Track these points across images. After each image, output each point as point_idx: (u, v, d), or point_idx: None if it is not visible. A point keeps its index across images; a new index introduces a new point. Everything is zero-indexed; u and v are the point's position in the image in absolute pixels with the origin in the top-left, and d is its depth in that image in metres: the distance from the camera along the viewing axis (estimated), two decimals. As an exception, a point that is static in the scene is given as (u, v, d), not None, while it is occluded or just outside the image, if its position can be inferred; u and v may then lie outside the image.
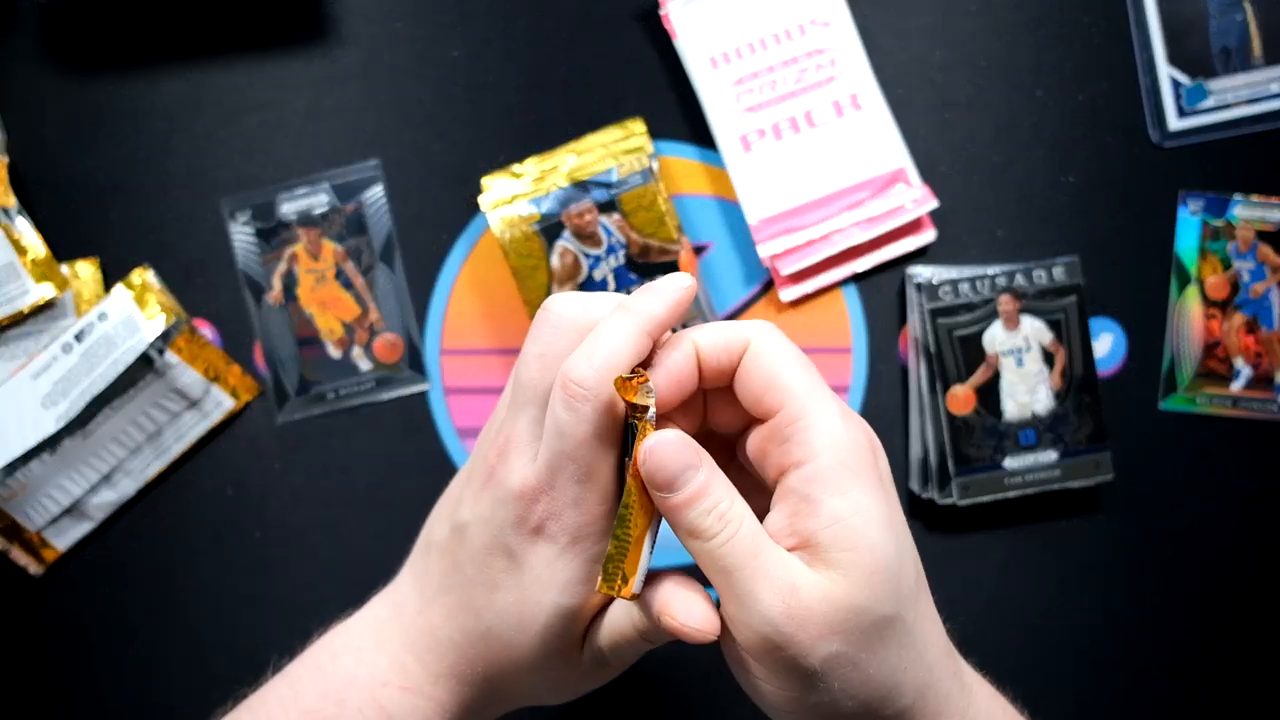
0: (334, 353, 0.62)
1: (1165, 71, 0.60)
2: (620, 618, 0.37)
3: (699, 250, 0.62)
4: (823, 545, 0.32)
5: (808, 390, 0.33)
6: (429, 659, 0.39)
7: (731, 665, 0.35)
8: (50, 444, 0.58)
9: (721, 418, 0.37)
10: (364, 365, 0.62)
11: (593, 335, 0.34)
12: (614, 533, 0.34)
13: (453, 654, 0.38)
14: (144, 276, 0.60)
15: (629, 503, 0.34)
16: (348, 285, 0.62)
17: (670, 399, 0.35)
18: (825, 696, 0.32)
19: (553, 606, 0.36)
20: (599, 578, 0.34)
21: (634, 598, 0.34)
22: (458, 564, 0.38)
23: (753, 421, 0.35)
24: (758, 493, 0.35)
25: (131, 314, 0.58)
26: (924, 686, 0.34)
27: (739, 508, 0.33)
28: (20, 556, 0.60)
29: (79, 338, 0.58)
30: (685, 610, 0.33)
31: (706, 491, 0.33)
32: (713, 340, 0.35)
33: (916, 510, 0.61)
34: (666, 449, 0.32)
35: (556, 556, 0.35)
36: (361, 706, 0.39)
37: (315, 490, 0.62)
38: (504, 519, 0.36)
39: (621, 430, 0.35)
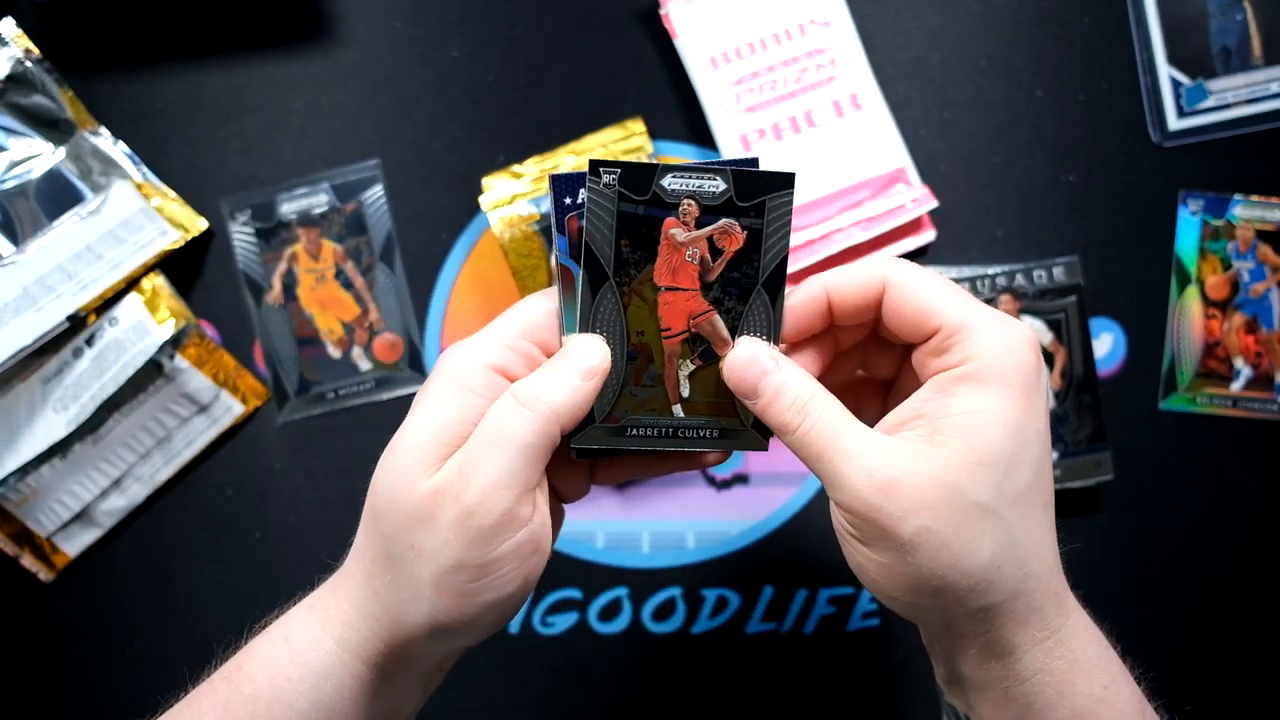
0: (334, 353, 0.63)
1: (1165, 71, 0.61)
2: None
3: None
4: (942, 430, 0.35)
5: (960, 305, 0.37)
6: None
7: (841, 546, 0.38)
8: (61, 449, 0.59)
9: (891, 334, 0.40)
10: (364, 365, 0.62)
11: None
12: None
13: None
14: (155, 281, 0.60)
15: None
16: (348, 285, 0.62)
17: (792, 337, 0.40)
18: (913, 570, 0.35)
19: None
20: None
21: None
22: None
23: (909, 356, 0.39)
24: None
25: (142, 319, 0.59)
26: (1016, 592, 0.35)
27: (819, 400, 0.37)
28: (31, 563, 0.61)
29: (89, 342, 0.59)
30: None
31: (783, 390, 0.37)
32: (845, 282, 0.39)
33: (916, 510, 0.62)
34: (737, 364, 0.38)
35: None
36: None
37: (315, 490, 0.62)
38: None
39: None
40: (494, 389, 0.37)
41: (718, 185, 0.38)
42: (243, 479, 0.63)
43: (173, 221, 0.61)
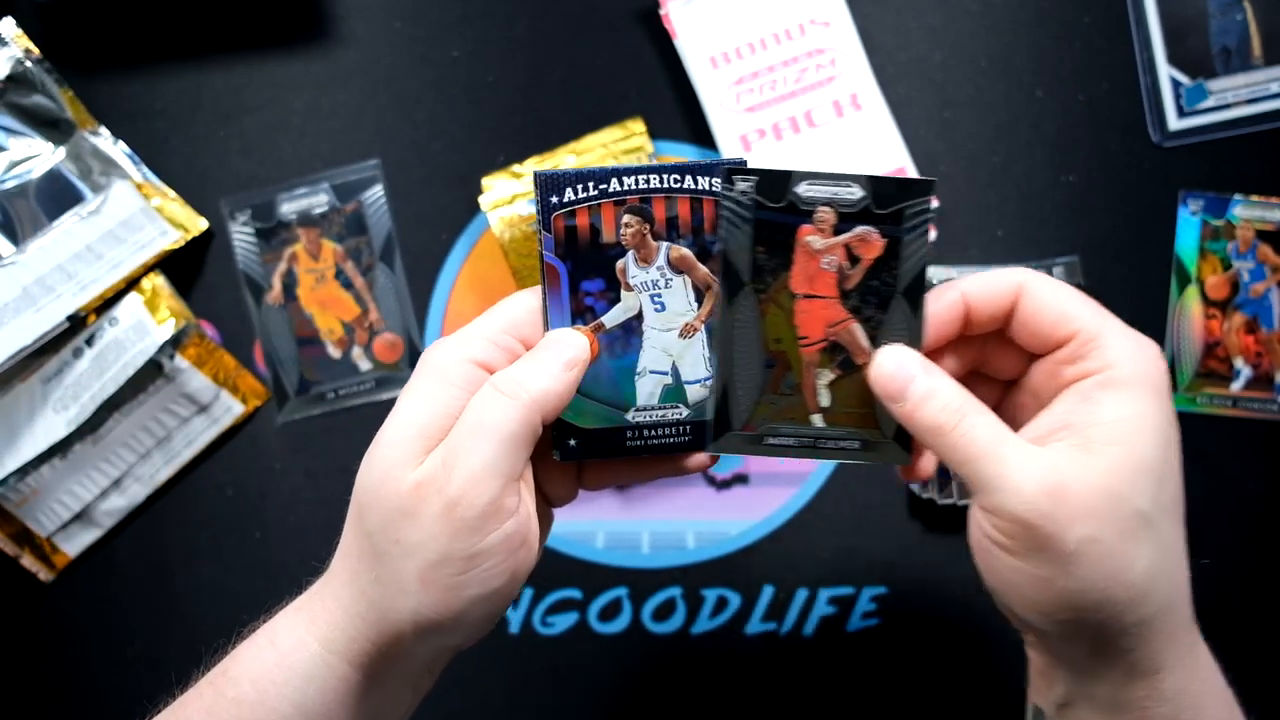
0: (334, 353, 0.63)
1: (1165, 71, 0.61)
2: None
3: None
4: (1095, 439, 0.34)
5: (1097, 314, 0.37)
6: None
7: (980, 560, 0.37)
8: (61, 449, 0.59)
9: (1001, 363, 0.41)
10: (364, 365, 0.63)
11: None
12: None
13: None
14: (155, 281, 0.60)
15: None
16: (347, 285, 0.62)
17: (932, 343, 0.39)
18: (1074, 583, 0.33)
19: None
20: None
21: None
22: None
23: (1030, 363, 0.39)
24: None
25: (142, 319, 0.59)
26: (1169, 605, 0.35)
27: (973, 404, 0.36)
28: (31, 563, 0.61)
29: (89, 342, 0.59)
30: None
31: (933, 393, 0.36)
32: (983, 288, 0.38)
33: (916, 510, 0.62)
34: (885, 368, 0.37)
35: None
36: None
37: (315, 490, 0.63)
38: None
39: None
40: (475, 382, 0.36)
41: (855, 192, 0.38)
42: (243, 479, 0.63)
43: (173, 221, 0.61)
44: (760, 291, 0.39)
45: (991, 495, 0.34)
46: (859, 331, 0.39)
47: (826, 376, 0.39)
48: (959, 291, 0.39)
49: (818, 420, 0.40)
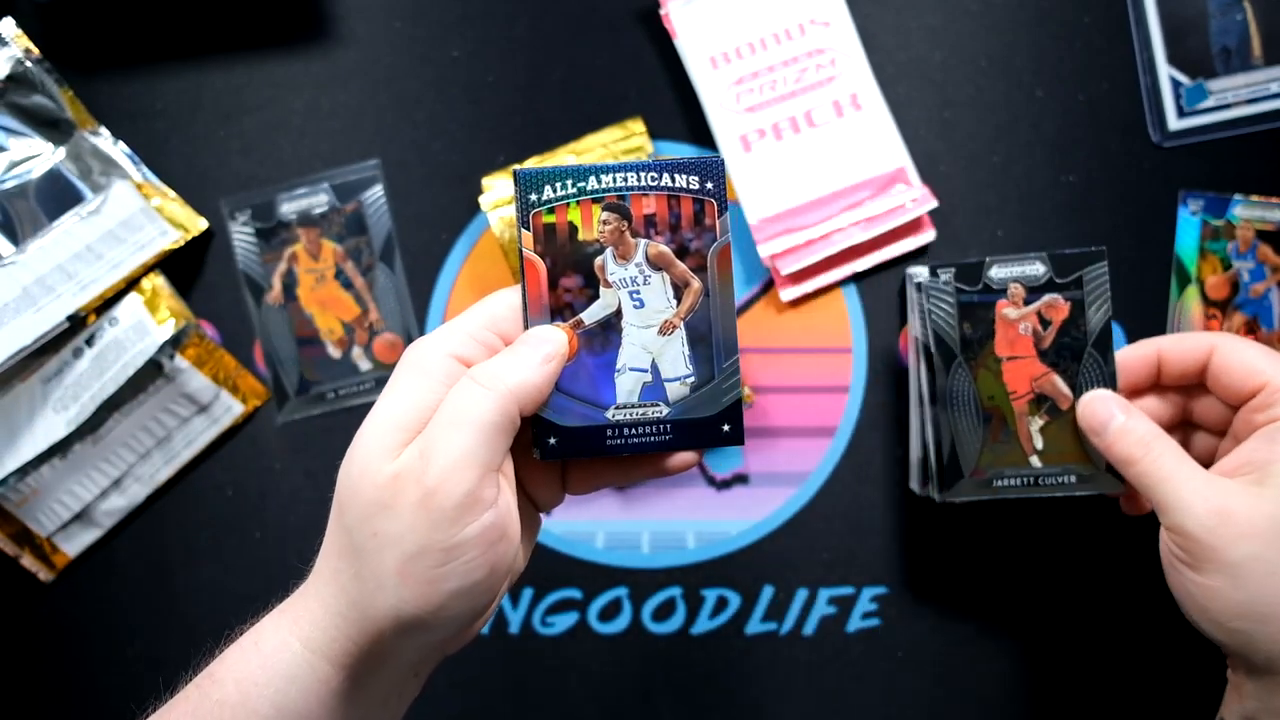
0: (334, 353, 0.63)
1: (1165, 71, 0.61)
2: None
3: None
4: (1270, 474, 0.40)
5: None
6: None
7: (1168, 576, 0.43)
8: (60, 449, 0.59)
9: (1205, 411, 0.48)
10: (364, 365, 0.63)
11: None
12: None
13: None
14: (155, 281, 0.60)
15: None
16: (347, 285, 0.62)
17: (1126, 387, 0.47)
18: (1243, 595, 0.39)
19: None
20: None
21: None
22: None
23: (1234, 415, 0.46)
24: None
25: (142, 319, 0.59)
26: None
27: (1163, 438, 0.43)
28: (31, 563, 0.61)
29: (89, 342, 0.59)
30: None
31: (1127, 430, 0.44)
32: (1177, 344, 0.46)
33: (916, 510, 0.62)
34: (1089, 407, 0.46)
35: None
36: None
37: (315, 490, 0.63)
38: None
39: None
40: (455, 376, 0.37)
41: (1038, 269, 0.47)
42: (243, 479, 0.63)
43: (173, 221, 0.61)
44: (970, 360, 0.47)
45: (1171, 514, 0.41)
46: (1059, 381, 0.47)
47: (1037, 423, 0.47)
48: (1155, 345, 0.47)
49: (1035, 461, 0.47)
